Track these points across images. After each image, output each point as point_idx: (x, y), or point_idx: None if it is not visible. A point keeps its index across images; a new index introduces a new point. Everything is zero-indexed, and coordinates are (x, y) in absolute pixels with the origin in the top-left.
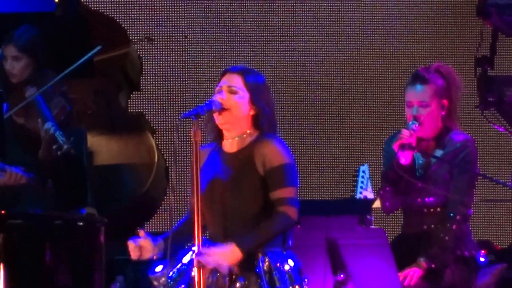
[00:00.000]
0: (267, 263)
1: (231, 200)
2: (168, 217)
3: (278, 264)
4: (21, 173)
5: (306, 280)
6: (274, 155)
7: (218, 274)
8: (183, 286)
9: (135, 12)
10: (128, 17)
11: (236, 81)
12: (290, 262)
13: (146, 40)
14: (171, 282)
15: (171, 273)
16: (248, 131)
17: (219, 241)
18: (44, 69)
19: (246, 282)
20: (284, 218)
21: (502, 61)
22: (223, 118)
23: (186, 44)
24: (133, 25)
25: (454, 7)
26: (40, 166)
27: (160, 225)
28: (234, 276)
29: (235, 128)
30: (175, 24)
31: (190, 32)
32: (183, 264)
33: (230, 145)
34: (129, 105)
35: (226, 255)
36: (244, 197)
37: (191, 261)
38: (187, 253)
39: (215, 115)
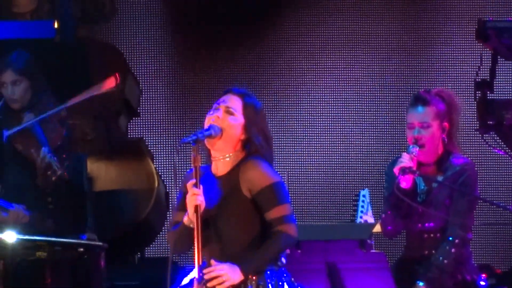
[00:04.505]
0: (255, 282)
1: (222, 225)
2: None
3: (272, 282)
4: (23, 212)
5: None
6: (260, 177)
7: None
8: None
9: (135, 40)
10: (128, 44)
11: (235, 103)
12: (284, 279)
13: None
14: None
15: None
16: (234, 153)
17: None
18: (41, 95)
19: None
20: (285, 237)
21: (501, 84)
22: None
23: (185, 69)
24: (133, 51)
25: (454, 30)
26: (40, 193)
27: (161, 250)
28: None
29: (223, 149)
30: (175, 51)
31: (188, 58)
32: (182, 286)
33: (217, 167)
34: (128, 130)
35: (231, 272)
36: (236, 221)
37: (191, 281)
38: (187, 275)
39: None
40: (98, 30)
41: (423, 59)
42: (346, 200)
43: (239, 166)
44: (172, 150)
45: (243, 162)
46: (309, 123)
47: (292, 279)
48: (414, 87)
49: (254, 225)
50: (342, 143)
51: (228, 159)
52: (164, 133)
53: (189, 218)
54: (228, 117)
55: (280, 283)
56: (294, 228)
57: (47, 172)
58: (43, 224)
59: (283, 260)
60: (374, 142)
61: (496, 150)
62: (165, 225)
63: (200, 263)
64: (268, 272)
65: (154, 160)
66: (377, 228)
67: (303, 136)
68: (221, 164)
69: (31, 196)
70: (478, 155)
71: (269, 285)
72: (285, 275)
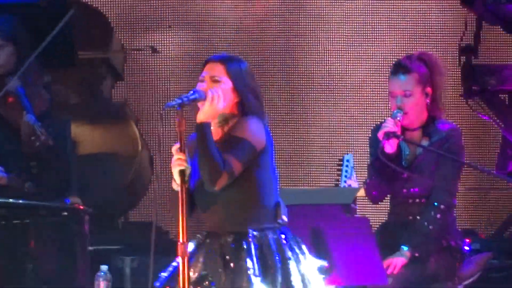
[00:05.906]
0: (257, 239)
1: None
2: (152, 206)
3: (274, 238)
4: (1, 174)
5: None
6: (242, 128)
7: (211, 256)
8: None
9: (120, 1)
10: (112, 6)
11: (218, 70)
12: (282, 236)
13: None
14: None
15: (168, 270)
16: (230, 116)
17: (216, 229)
18: (26, 60)
19: (238, 261)
20: (223, 163)
21: (485, 50)
22: None
23: (170, 34)
24: (118, 13)
25: None
26: (23, 158)
27: (144, 214)
28: (227, 257)
29: (219, 117)
30: (159, 14)
31: (174, 21)
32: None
33: (215, 133)
34: (112, 95)
35: (205, 112)
36: (231, 183)
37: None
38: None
39: (200, 105)
40: None
41: (408, 25)
42: (330, 164)
43: (233, 127)
44: (157, 114)
45: (236, 122)
46: (294, 86)
47: (296, 237)
48: (399, 53)
49: (250, 182)
50: (326, 107)
51: (226, 122)
52: (148, 97)
53: (176, 183)
54: (215, 85)
55: (282, 240)
56: (226, 178)
57: (31, 137)
58: (22, 186)
59: (285, 218)
60: (359, 106)
61: (480, 115)
62: (149, 189)
63: (185, 227)
64: (269, 231)
65: (139, 124)
66: (361, 193)
67: (286, 99)
68: (220, 130)
69: (15, 161)
70: (462, 120)
71: (271, 240)
72: (287, 232)
